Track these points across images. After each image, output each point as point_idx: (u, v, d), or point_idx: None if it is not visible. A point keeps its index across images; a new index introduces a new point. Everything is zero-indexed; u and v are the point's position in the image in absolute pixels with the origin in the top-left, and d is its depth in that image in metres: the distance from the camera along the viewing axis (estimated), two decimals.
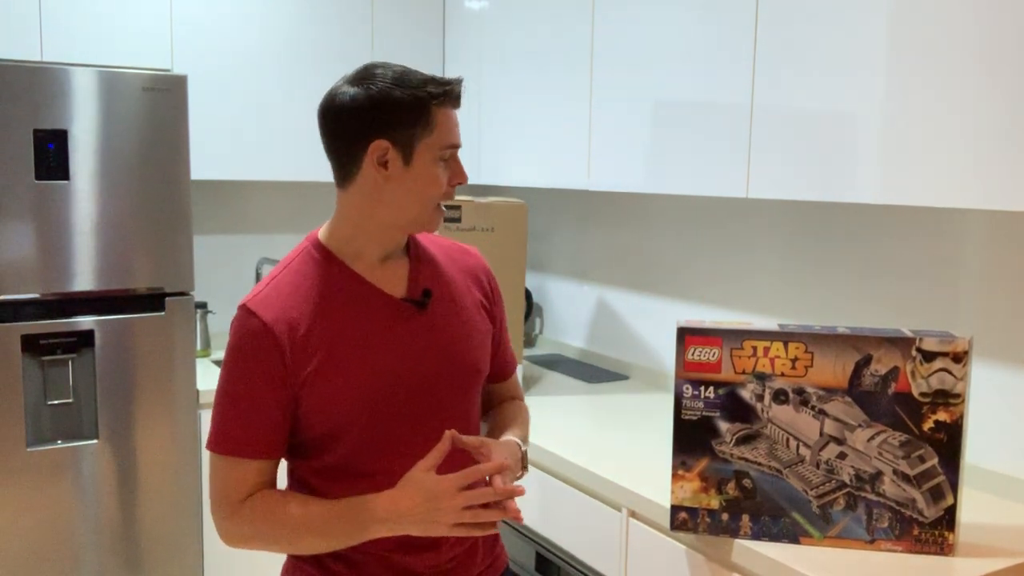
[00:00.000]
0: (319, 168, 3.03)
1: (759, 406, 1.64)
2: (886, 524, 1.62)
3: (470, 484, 1.27)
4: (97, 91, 2.45)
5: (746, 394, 1.64)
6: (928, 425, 1.58)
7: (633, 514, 1.94)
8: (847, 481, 1.62)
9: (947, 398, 1.57)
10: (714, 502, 1.68)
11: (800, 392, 1.62)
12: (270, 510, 1.33)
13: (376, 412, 1.36)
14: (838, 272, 2.28)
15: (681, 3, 2.21)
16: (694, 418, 1.66)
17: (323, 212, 3.48)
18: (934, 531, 1.60)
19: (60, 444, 2.49)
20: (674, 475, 1.69)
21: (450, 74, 3.25)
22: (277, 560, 2.79)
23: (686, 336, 1.65)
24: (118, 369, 2.54)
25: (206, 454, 2.69)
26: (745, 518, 1.67)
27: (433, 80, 1.34)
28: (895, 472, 1.60)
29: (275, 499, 1.34)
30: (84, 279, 2.49)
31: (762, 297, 2.50)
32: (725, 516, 1.68)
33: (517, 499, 2.29)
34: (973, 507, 1.86)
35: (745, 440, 1.65)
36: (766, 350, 1.62)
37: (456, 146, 1.37)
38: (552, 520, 2.20)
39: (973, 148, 1.62)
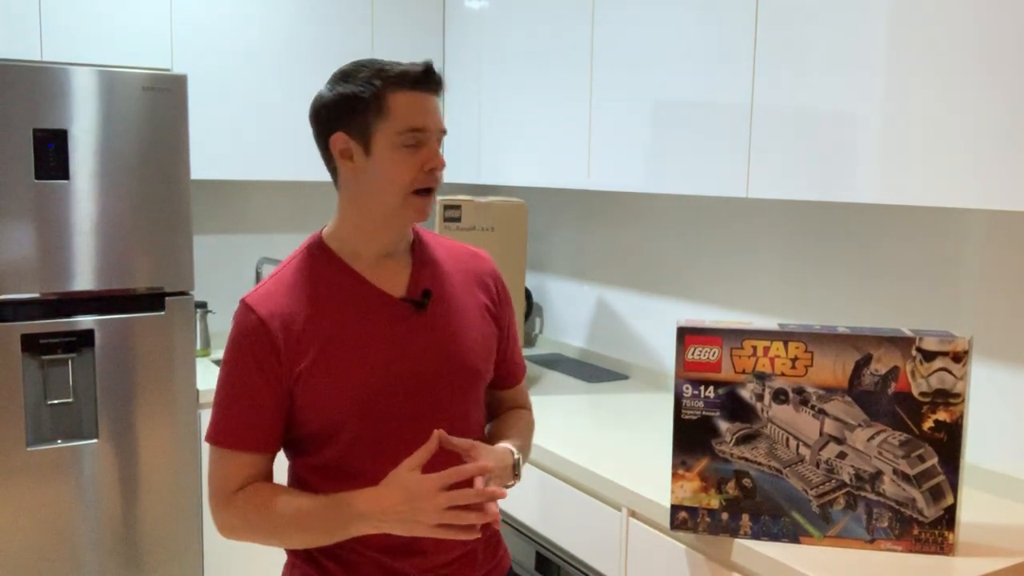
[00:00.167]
0: (319, 168, 3.01)
1: (759, 406, 1.64)
2: (886, 524, 1.62)
3: (454, 486, 1.26)
4: (97, 91, 2.45)
5: (746, 394, 1.64)
6: (928, 425, 1.58)
7: (633, 514, 1.94)
8: (847, 481, 1.62)
9: (947, 398, 1.57)
10: (714, 502, 1.68)
11: (800, 392, 1.62)
12: (260, 502, 1.34)
13: (370, 410, 1.36)
14: (838, 272, 2.28)
15: (681, 3, 2.22)
16: (694, 418, 1.66)
17: (323, 212, 3.48)
18: (934, 531, 1.60)
19: (60, 444, 2.49)
20: (674, 475, 1.69)
21: (450, 74, 3.25)
22: (277, 560, 2.79)
23: (686, 336, 1.65)
24: (118, 369, 2.54)
25: (206, 454, 2.69)
26: (745, 518, 1.67)
27: (392, 66, 1.35)
28: (895, 472, 1.60)
29: (265, 492, 1.36)
30: (84, 279, 2.49)
31: (762, 297, 2.50)
32: (725, 516, 1.68)
33: (517, 501, 2.29)
34: (973, 507, 1.86)
35: (745, 440, 1.65)
36: (766, 350, 1.62)
37: (419, 129, 1.34)
38: (552, 520, 2.20)
39: (973, 148, 1.62)
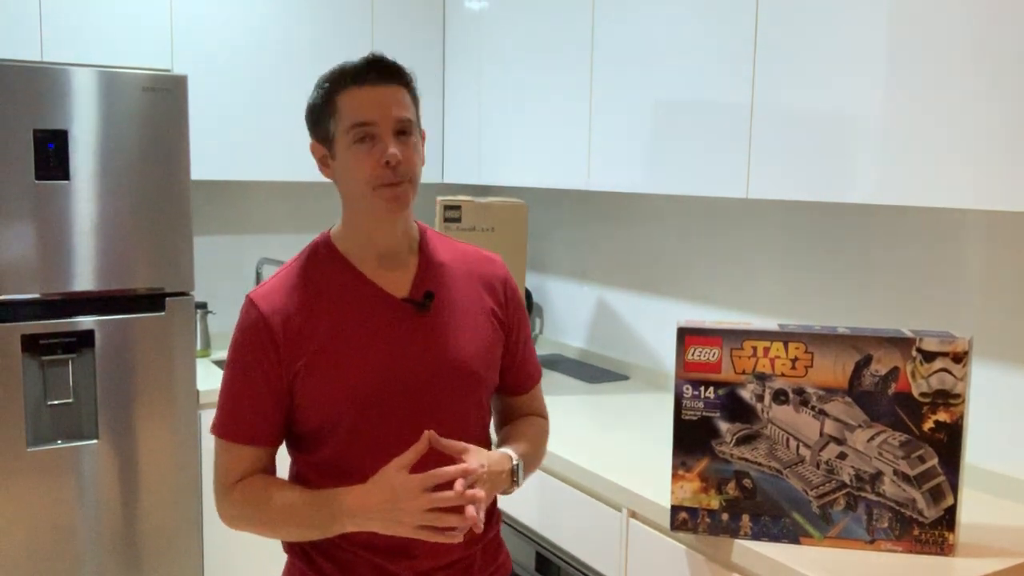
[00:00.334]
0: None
1: (759, 406, 1.64)
2: (886, 524, 1.62)
3: (438, 487, 1.26)
4: (97, 91, 2.45)
5: (746, 394, 1.64)
6: (928, 425, 1.58)
7: (633, 514, 1.94)
8: (847, 481, 1.62)
9: (947, 398, 1.57)
10: (714, 502, 1.68)
11: (800, 392, 1.62)
12: (255, 494, 1.37)
13: (367, 410, 1.36)
14: (838, 272, 2.28)
15: (681, 3, 2.21)
16: (694, 418, 1.66)
17: (323, 212, 3.48)
18: (934, 531, 1.60)
19: (60, 444, 2.49)
20: (674, 475, 1.69)
21: (450, 74, 3.25)
22: (277, 560, 2.79)
23: (686, 336, 1.65)
24: (118, 369, 2.54)
25: (206, 454, 2.71)
26: (745, 518, 1.67)
27: (345, 66, 1.36)
28: (895, 472, 1.60)
29: (261, 484, 1.38)
30: (84, 279, 2.49)
31: (762, 297, 2.50)
32: (725, 516, 1.68)
33: (517, 501, 2.29)
34: (973, 507, 1.86)
35: (745, 440, 1.65)
36: (766, 350, 1.62)
37: (365, 123, 1.32)
38: (552, 520, 2.20)
39: (973, 148, 1.62)
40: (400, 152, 1.33)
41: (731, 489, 1.67)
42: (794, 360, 1.62)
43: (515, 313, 1.53)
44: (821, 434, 1.62)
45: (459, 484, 1.26)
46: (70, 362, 2.50)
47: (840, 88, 1.84)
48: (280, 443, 1.43)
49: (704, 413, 1.66)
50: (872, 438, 1.60)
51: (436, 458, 1.31)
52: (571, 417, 2.48)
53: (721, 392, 1.65)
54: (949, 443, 1.58)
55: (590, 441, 2.26)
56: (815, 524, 1.64)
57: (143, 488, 2.60)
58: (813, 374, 1.61)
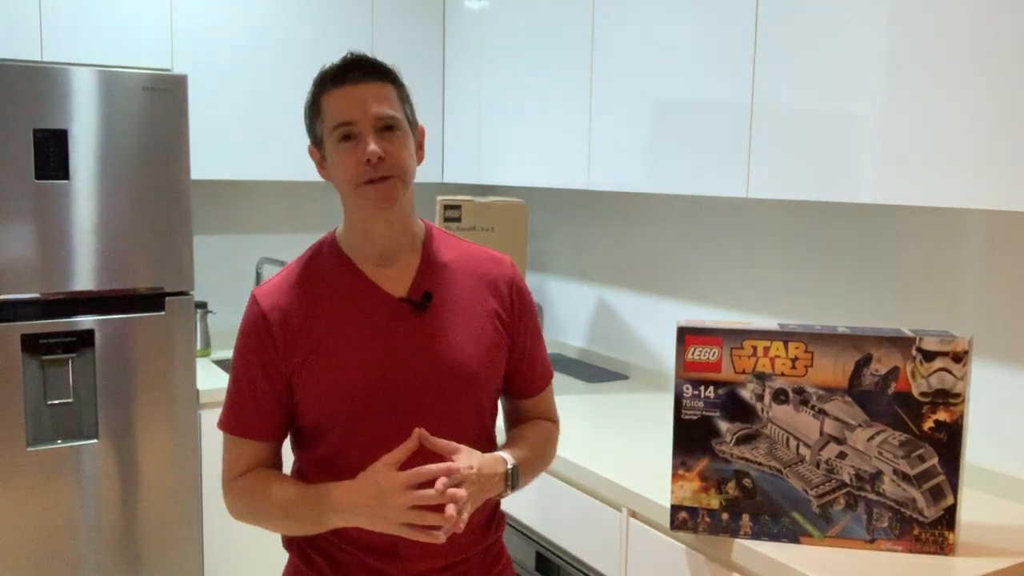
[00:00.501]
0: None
1: (759, 406, 1.64)
2: (886, 524, 1.62)
3: (424, 485, 1.26)
4: (97, 91, 2.45)
5: (746, 394, 1.64)
6: (928, 425, 1.58)
7: (633, 514, 1.94)
8: (847, 481, 1.62)
9: (947, 398, 1.57)
10: (714, 502, 1.68)
11: (800, 392, 1.62)
12: (254, 488, 1.39)
13: (362, 408, 1.37)
14: (838, 272, 2.28)
15: (681, 3, 2.22)
16: (694, 418, 1.66)
17: (323, 212, 3.48)
18: (934, 531, 1.60)
19: (60, 444, 2.49)
20: (674, 475, 1.69)
21: (450, 74, 3.25)
22: (276, 559, 2.79)
23: (686, 336, 1.65)
24: (118, 369, 2.54)
25: (206, 454, 2.71)
26: (745, 518, 1.67)
27: (326, 67, 1.37)
28: (895, 472, 1.60)
29: (261, 478, 1.40)
30: (84, 279, 2.49)
31: (762, 297, 2.50)
32: (725, 516, 1.68)
33: (517, 501, 2.29)
34: (973, 507, 1.86)
35: (745, 440, 1.65)
36: (766, 350, 1.62)
37: (345, 123, 1.33)
38: (552, 520, 2.20)
39: (973, 148, 1.62)
40: (383, 148, 1.33)
41: (731, 489, 1.67)
42: (794, 360, 1.62)
43: (521, 315, 1.51)
44: (821, 433, 1.62)
45: (440, 482, 1.25)
46: (70, 362, 2.50)
47: (840, 88, 1.84)
48: (283, 438, 1.45)
49: (704, 413, 1.66)
50: (872, 437, 1.60)
51: (428, 457, 1.31)
52: (571, 417, 2.48)
53: (721, 392, 1.65)
54: (949, 443, 1.58)
55: (590, 441, 2.26)
56: (815, 523, 1.64)
57: (143, 488, 2.60)
58: (813, 374, 1.61)
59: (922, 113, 1.69)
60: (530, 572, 2.31)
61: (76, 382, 2.52)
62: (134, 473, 2.59)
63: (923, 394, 1.58)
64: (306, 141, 1.45)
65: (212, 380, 2.79)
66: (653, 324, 2.89)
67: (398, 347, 1.38)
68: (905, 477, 1.60)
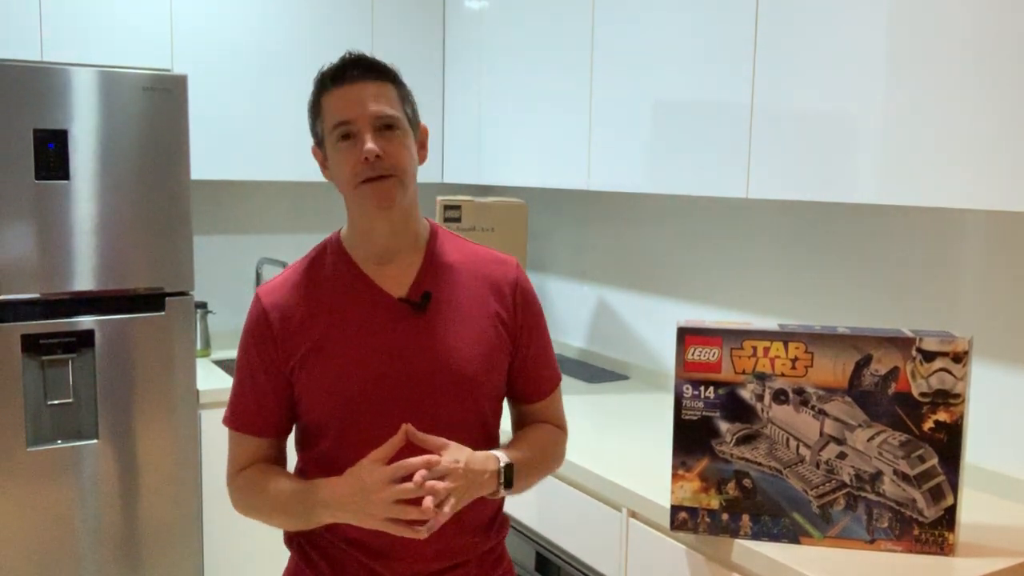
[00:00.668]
0: (318, 168, 3.03)
1: (759, 406, 1.64)
2: (886, 524, 1.62)
3: (404, 479, 1.26)
4: (97, 91, 2.45)
5: (746, 394, 1.64)
6: (928, 425, 1.58)
7: (633, 514, 1.94)
8: (847, 481, 1.62)
9: (947, 398, 1.57)
10: (714, 502, 1.68)
11: (800, 392, 1.62)
12: (254, 482, 1.41)
13: (359, 407, 1.37)
14: (838, 272, 2.28)
15: (681, 3, 2.21)
16: (694, 418, 1.66)
17: (323, 212, 3.48)
18: (934, 531, 1.60)
19: (60, 444, 2.49)
20: (674, 475, 1.69)
21: (450, 74, 3.25)
22: (276, 559, 2.79)
23: (686, 336, 1.65)
24: (118, 369, 2.54)
25: (206, 454, 2.71)
26: (745, 518, 1.67)
27: (325, 67, 1.38)
28: (895, 472, 1.60)
29: (261, 473, 1.42)
30: (84, 279, 2.49)
31: (762, 297, 2.50)
32: (725, 516, 1.68)
33: (517, 501, 2.29)
34: (973, 507, 1.86)
35: (745, 440, 1.65)
36: (766, 350, 1.62)
37: (344, 122, 1.33)
38: (552, 520, 2.20)
39: (972, 148, 1.62)
40: (382, 147, 1.32)
41: (731, 489, 1.67)
42: (794, 360, 1.62)
43: (526, 317, 1.48)
44: (821, 434, 1.62)
45: (419, 475, 1.25)
46: (70, 362, 2.50)
47: (840, 88, 1.84)
48: (285, 435, 1.47)
49: (704, 413, 1.66)
50: (872, 438, 1.60)
51: (420, 455, 1.29)
52: (571, 417, 2.45)
53: (721, 392, 1.65)
54: (949, 443, 1.58)
55: (590, 441, 2.26)
56: (815, 524, 1.64)
57: (143, 488, 2.60)
58: (813, 374, 1.61)
59: (922, 113, 1.69)
60: (530, 572, 2.31)
61: (76, 382, 2.52)
62: (134, 473, 2.59)
63: (923, 394, 1.58)
64: (306, 141, 1.46)
65: (212, 380, 2.79)
66: (653, 324, 2.89)
67: (396, 347, 1.38)
68: (905, 477, 1.60)
